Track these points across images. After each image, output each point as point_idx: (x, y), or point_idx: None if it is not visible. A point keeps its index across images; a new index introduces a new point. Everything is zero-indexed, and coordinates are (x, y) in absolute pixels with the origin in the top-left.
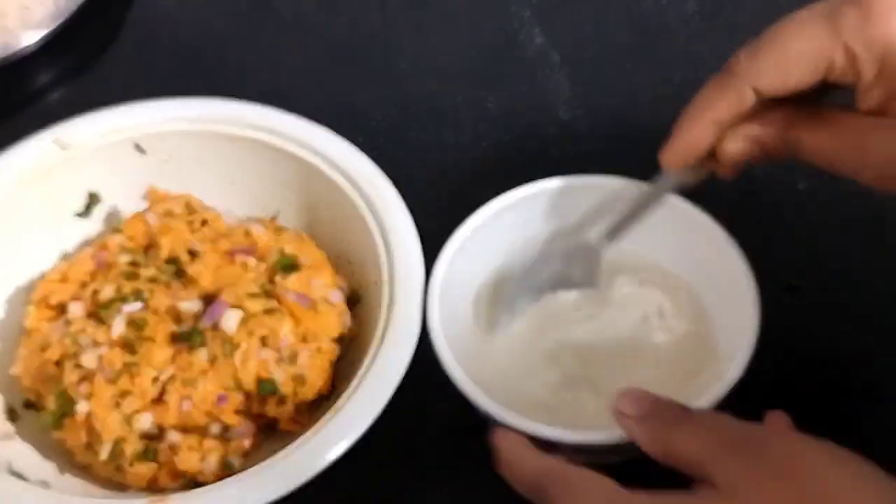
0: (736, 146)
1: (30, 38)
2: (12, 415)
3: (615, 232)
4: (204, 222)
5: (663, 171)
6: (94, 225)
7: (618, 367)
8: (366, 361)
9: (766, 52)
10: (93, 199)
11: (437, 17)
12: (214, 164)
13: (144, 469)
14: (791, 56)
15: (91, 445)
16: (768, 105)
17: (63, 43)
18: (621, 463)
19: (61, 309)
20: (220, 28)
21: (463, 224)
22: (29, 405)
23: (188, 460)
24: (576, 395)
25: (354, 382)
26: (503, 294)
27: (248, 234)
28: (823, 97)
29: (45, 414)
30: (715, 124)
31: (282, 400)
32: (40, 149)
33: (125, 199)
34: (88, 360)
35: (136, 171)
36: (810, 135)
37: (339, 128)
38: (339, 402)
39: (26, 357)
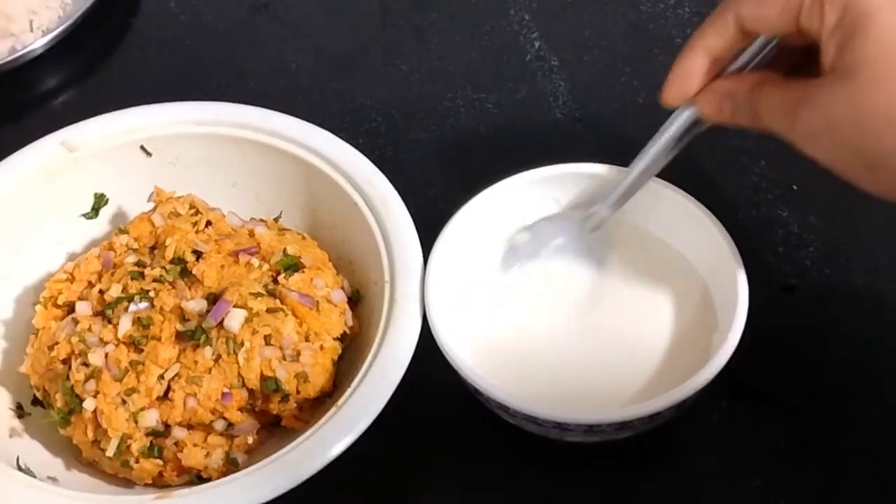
0: (707, 98)
1: (37, 41)
2: (20, 412)
3: (626, 193)
4: (208, 223)
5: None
6: (100, 226)
7: (620, 346)
8: (367, 359)
9: None
10: (99, 200)
11: (438, 19)
12: (218, 165)
13: (150, 465)
14: None
15: (98, 442)
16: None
17: (69, 47)
18: (629, 438)
19: (69, 308)
20: (222, 32)
21: (452, 218)
22: (37, 402)
23: (193, 456)
24: (580, 377)
25: (356, 380)
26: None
27: (251, 234)
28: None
29: (53, 411)
30: (704, 51)
31: (285, 397)
32: (48, 151)
33: (131, 200)
34: (95, 358)
35: (141, 173)
36: (767, 93)
37: (341, 130)
38: (342, 399)
39: (34, 355)
